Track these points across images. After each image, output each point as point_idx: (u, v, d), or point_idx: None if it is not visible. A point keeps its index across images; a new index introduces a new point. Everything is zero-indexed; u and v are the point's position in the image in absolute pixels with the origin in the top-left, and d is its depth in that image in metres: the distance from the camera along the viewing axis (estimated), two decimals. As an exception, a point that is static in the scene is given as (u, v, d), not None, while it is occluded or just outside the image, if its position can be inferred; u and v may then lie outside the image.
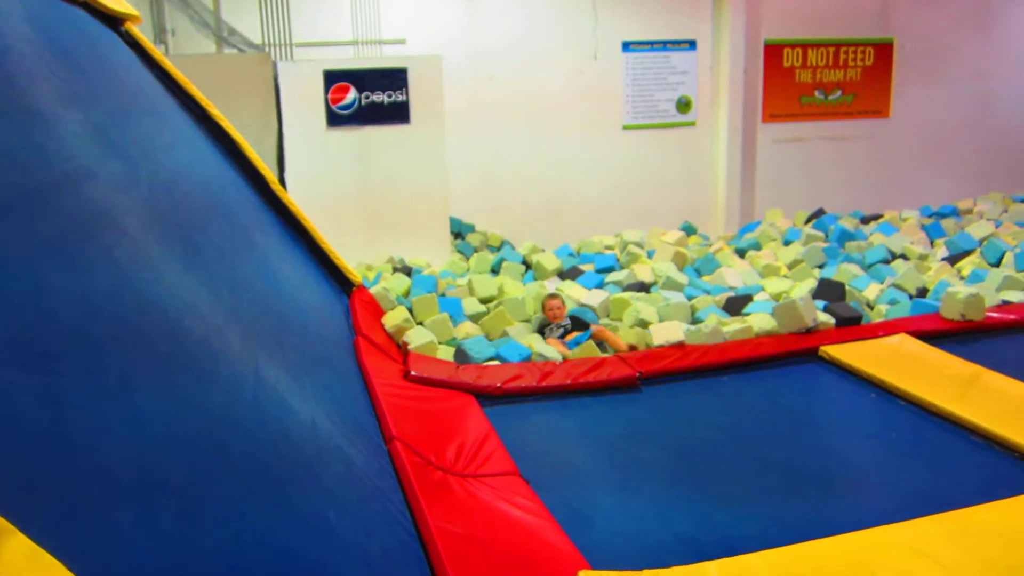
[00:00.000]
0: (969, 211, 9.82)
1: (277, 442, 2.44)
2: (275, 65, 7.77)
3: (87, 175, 2.77)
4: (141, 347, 2.16)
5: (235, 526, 1.90)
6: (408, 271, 7.39)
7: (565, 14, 10.05)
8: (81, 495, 1.60)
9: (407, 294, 6.76)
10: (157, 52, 5.28)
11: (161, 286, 2.51)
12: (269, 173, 5.91)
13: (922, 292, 6.82)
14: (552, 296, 6.27)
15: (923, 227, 8.74)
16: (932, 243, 8.38)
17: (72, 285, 2.07)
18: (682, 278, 7.02)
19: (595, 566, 3.16)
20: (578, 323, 6.09)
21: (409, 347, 5.49)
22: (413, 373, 4.84)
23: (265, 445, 2.36)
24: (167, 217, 3.27)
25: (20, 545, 1.33)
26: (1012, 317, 5.90)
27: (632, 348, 5.70)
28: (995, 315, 5.93)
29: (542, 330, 6.16)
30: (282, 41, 8.53)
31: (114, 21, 4.71)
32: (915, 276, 6.93)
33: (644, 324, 5.97)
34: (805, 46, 11.15)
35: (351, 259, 7.13)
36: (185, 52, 8.41)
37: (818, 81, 11.24)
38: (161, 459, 1.91)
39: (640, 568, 3.13)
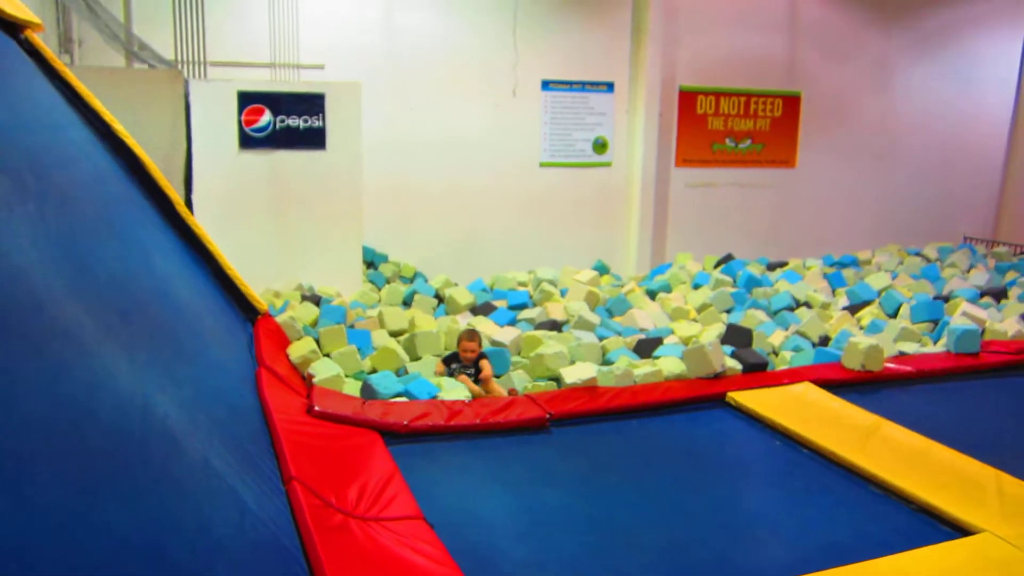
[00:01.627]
0: (868, 261, 10.20)
1: (162, 487, 2.26)
2: (187, 83, 7.51)
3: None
4: (16, 366, 1.97)
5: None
6: (317, 300, 7.18)
7: (487, 49, 10.08)
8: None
9: (315, 324, 6.57)
10: (59, 63, 5.02)
11: (42, 313, 2.32)
12: (174, 194, 5.67)
13: (824, 340, 7.00)
14: (471, 337, 5.93)
15: (825, 276, 9.02)
16: (834, 292, 8.65)
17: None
18: (594, 318, 7.03)
19: (499, 618, 3.05)
20: (479, 367, 5.88)
21: (314, 380, 5.30)
22: (317, 409, 4.66)
23: (148, 490, 2.18)
24: (56, 238, 3.06)
25: None
26: (908, 369, 6.09)
27: (512, 392, 5.69)
28: (892, 366, 6.11)
29: (449, 362, 6.02)
30: (195, 59, 8.26)
31: (13, 28, 4.45)
32: (818, 324, 7.11)
33: (554, 366, 5.92)
34: (718, 94, 11.46)
35: (259, 285, 6.89)
36: (92, 64, 8.06)
37: (729, 129, 11.56)
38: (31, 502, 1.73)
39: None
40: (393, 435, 4.70)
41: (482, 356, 5.90)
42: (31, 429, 1.88)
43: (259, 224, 7.92)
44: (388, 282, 8.65)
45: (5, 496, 1.61)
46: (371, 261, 9.18)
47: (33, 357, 2.10)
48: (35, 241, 2.85)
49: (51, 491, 1.76)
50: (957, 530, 3.96)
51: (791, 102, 11.82)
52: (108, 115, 5.30)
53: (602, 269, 9.50)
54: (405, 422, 4.77)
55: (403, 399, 5.27)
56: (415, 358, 6.23)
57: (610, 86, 10.82)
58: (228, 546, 2.38)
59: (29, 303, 2.32)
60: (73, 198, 3.75)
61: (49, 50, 4.91)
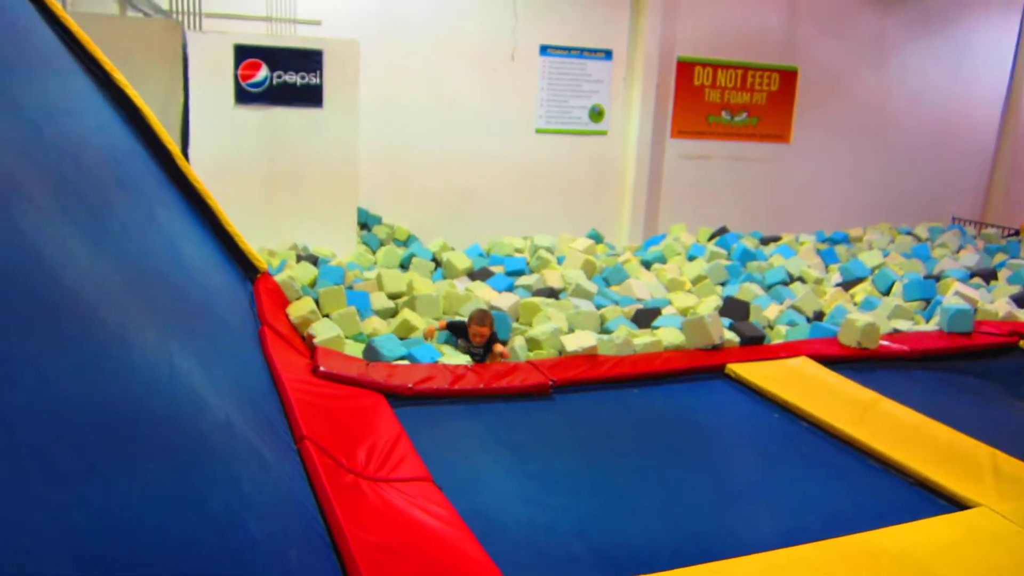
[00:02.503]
0: (859, 239, 10.26)
1: (194, 442, 2.25)
2: (184, 34, 7.37)
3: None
4: (52, 336, 1.94)
5: (157, 535, 1.72)
6: (314, 260, 7.13)
7: (485, 11, 9.95)
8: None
9: (313, 284, 6.53)
10: (58, 6, 4.89)
11: (73, 267, 2.28)
12: (175, 147, 5.58)
13: (819, 315, 7.05)
14: (482, 320, 5.62)
15: (818, 252, 9.07)
16: (827, 268, 8.70)
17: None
18: (591, 287, 7.04)
19: (509, 578, 3.08)
20: (489, 349, 5.70)
21: (315, 340, 5.28)
22: (322, 369, 4.64)
23: (182, 446, 2.17)
24: (73, 188, 3.00)
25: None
26: (903, 347, 6.16)
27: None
28: (887, 344, 6.18)
29: (455, 332, 5.86)
30: (191, 9, 8.11)
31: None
32: (813, 299, 7.17)
33: (549, 345, 5.89)
34: (715, 66, 11.41)
35: (252, 243, 6.80)
36: (85, 11, 7.88)
37: (726, 102, 11.53)
38: (69, 454, 1.72)
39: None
40: (398, 397, 4.70)
41: (494, 339, 5.69)
42: (73, 381, 1.85)
43: (254, 181, 7.83)
44: (382, 244, 8.60)
45: (58, 449, 1.59)
46: (364, 223, 9.12)
47: (70, 303, 2.07)
48: (53, 191, 2.80)
49: (100, 446, 1.75)
50: (954, 504, 4.04)
51: (788, 77, 11.80)
52: (108, 63, 5.19)
53: (596, 237, 9.50)
54: (410, 385, 4.77)
55: (406, 362, 5.26)
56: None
57: (608, 54, 10.74)
58: (256, 501, 2.38)
59: (58, 257, 2.29)
60: (82, 147, 3.68)
61: (48, -7, 4.78)
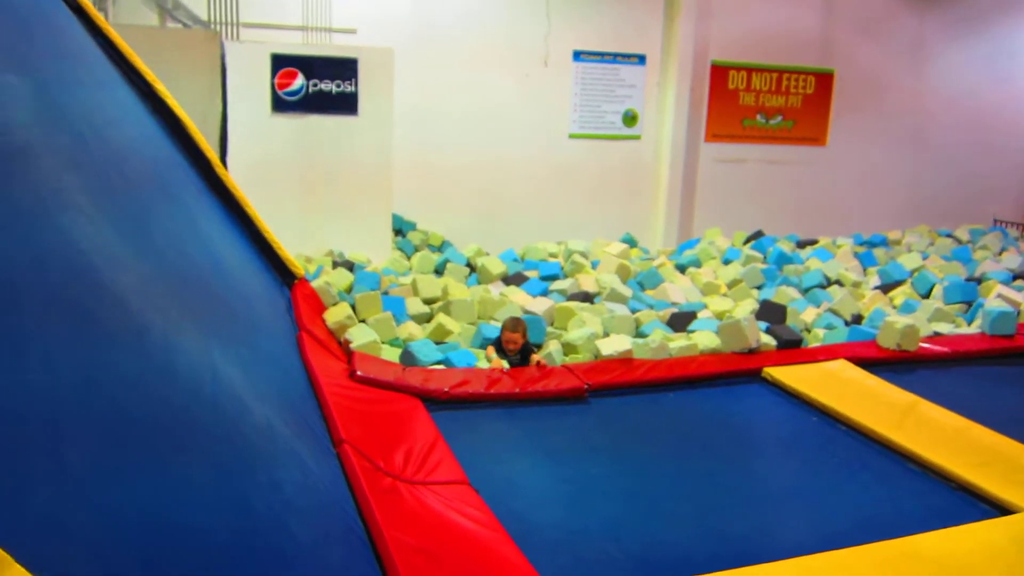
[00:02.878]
0: (897, 242, 10.12)
1: (237, 445, 2.29)
2: (222, 44, 7.49)
3: (38, 146, 2.58)
4: (99, 341, 1.99)
5: (205, 535, 1.76)
6: (350, 266, 7.20)
7: (518, 18, 10.00)
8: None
9: (349, 290, 6.59)
10: (101, 19, 5.00)
11: (119, 275, 2.34)
12: (213, 155, 5.67)
13: (856, 319, 6.98)
14: (515, 327, 5.55)
15: (856, 255, 8.97)
16: (865, 271, 8.60)
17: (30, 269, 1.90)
18: (626, 291, 7.03)
19: (549, 583, 3.09)
20: (526, 356, 5.61)
21: (351, 345, 5.33)
22: (359, 373, 4.70)
23: (225, 449, 2.22)
24: (118, 197, 3.08)
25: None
26: (944, 349, 6.07)
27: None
28: (927, 346, 6.09)
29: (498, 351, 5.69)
30: (229, 20, 8.23)
31: (56, -19, 4.43)
32: (851, 303, 7.09)
33: (585, 349, 5.88)
34: (750, 70, 11.35)
35: (289, 250, 6.89)
36: (126, 22, 8.04)
37: (761, 105, 11.46)
38: (118, 455, 1.76)
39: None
40: (434, 401, 4.74)
41: (528, 348, 5.60)
42: (121, 384, 1.90)
43: (290, 189, 7.93)
44: (417, 250, 8.65)
45: (113, 454, 1.64)
46: (399, 229, 9.19)
47: (118, 310, 2.12)
48: (100, 200, 2.87)
49: (148, 447, 1.79)
50: (997, 508, 3.97)
51: (824, 79, 11.70)
52: (150, 74, 5.29)
53: (630, 242, 9.48)
54: (446, 389, 4.81)
55: (442, 367, 5.30)
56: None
57: (642, 59, 10.73)
58: (297, 503, 2.42)
59: (106, 265, 2.35)
60: (125, 157, 3.77)
61: (91, 6, 4.90)
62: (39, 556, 1.28)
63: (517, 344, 5.51)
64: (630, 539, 3.64)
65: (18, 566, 1.21)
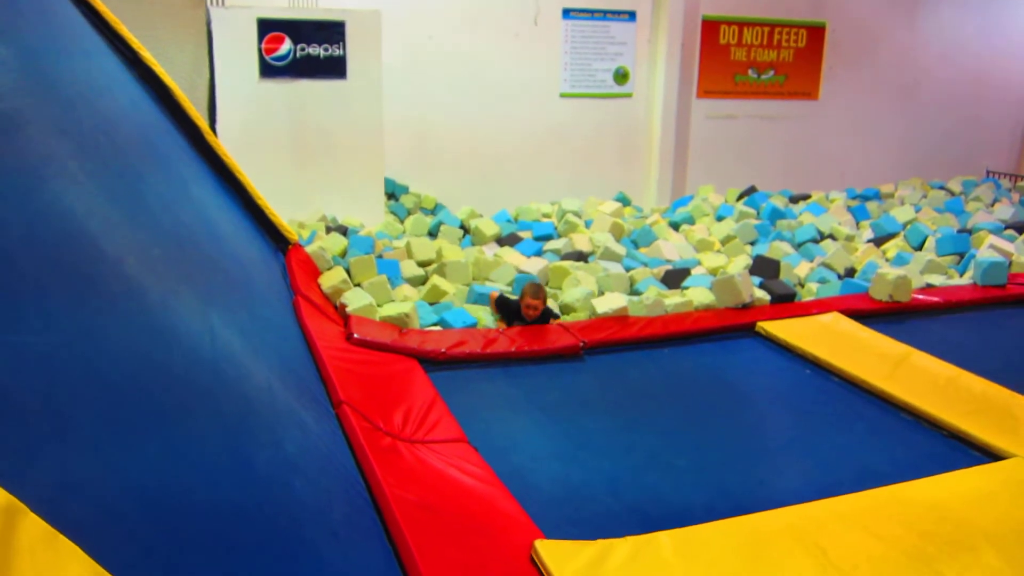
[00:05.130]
0: (890, 195, 10.14)
1: (239, 406, 2.32)
2: (208, 9, 7.41)
3: (27, 113, 2.56)
4: (98, 304, 2.01)
5: (209, 496, 1.79)
6: (343, 231, 7.20)
7: (507, -24, 9.87)
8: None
9: (343, 254, 6.60)
10: (84, -15, 4.94)
11: (114, 240, 2.35)
12: (203, 122, 5.64)
13: (850, 272, 7.02)
14: (536, 293, 5.48)
15: (849, 208, 8.98)
16: (858, 224, 8.63)
17: (24, 232, 1.90)
18: (620, 249, 7.05)
19: (547, 535, 3.14)
20: (546, 322, 5.56)
21: (347, 309, 5.35)
22: (356, 336, 4.72)
23: (227, 409, 2.24)
24: (109, 164, 3.07)
25: (34, 527, 1.23)
26: (936, 299, 6.12)
27: None
28: (920, 297, 6.14)
29: (504, 311, 5.71)
30: (212, -16, 8.13)
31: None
32: (844, 256, 7.12)
33: (581, 308, 5.90)
34: (741, 24, 11.25)
35: (282, 215, 6.88)
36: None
37: (752, 60, 11.37)
38: (118, 422, 1.79)
39: (592, 538, 3.12)
40: (431, 362, 4.77)
41: (548, 314, 5.57)
42: (122, 346, 1.92)
43: (280, 155, 7.90)
44: (410, 213, 8.65)
45: (119, 421, 1.66)
46: (391, 192, 9.17)
47: (115, 274, 2.13)
48: (91, 167, 2.87)
49: (154, 409, 1.82)
50: (988, 455, 4.03)
51: (815, 32, 11.60)
52: (136, 42, 5.25)
53: (624, 200, 9.48)
54: (443, 349, 4.84)
55: (438, 328, 5.33)
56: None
57: (632, 15, 10.62)
58: (299, 463, 2.45)
59: (101, 231, 2.35)
60: (115, 125, 3.75)
61: (74, -28, 4.83)
62: (53, 512, 1.31)
63: (537, 310, 5.48)
64: (628, 492, 3.70)
65: (33, 515, 1.24)
